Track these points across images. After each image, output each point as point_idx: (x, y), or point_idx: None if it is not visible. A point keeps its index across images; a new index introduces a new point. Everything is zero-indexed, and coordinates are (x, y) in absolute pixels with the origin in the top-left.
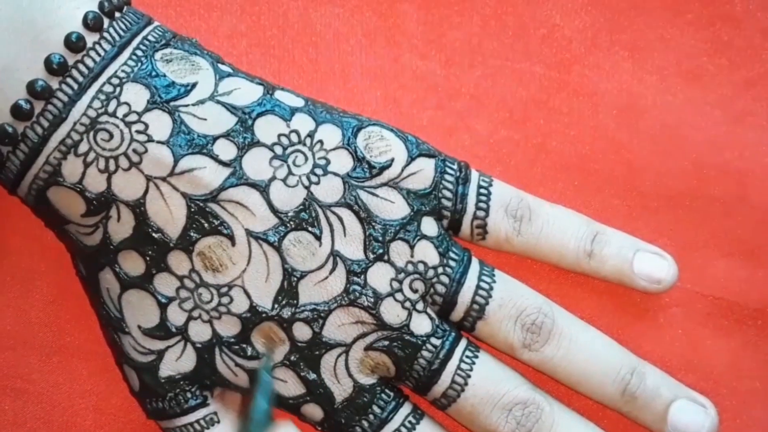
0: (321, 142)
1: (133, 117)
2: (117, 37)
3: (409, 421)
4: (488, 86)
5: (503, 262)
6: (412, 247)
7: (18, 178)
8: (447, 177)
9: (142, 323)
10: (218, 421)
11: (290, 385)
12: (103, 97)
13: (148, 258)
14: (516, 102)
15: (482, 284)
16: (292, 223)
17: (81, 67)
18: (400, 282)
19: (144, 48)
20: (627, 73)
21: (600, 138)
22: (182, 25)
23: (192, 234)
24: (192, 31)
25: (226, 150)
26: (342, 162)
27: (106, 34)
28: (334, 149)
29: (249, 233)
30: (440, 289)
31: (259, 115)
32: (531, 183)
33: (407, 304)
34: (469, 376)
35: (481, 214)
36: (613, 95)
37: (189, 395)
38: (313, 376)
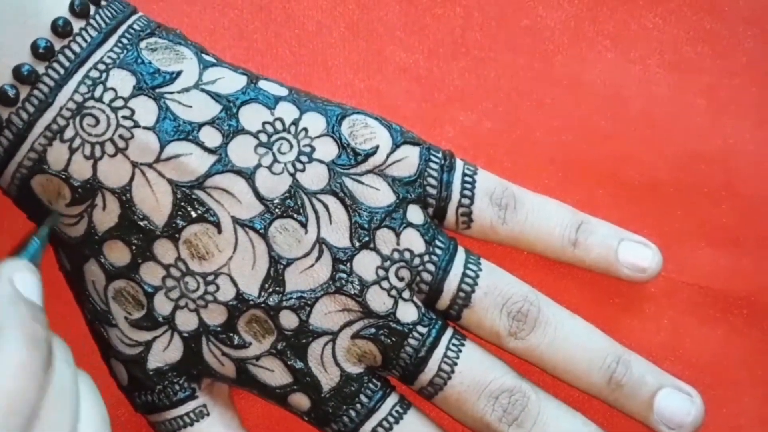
0: (306, 129)
1: (119, 102)
2: (103, 24)
3: (396, 411)
4: (472, 78)
5: (488, 255)
6: (398, 235)
7: (1, 168)
8: (432, 165)
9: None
10: (208, 414)
11: (277, 374)
12: (89, 82)
13: (133, 247)
14: (499, 93)
15: (468, 272)
16: (277, 210)
17: (67, 52)
18: (386, 270)
19: (129, 36)
20: (610, 63)
21: (584, 128)
22: (165, 20)
23: (178, 221)
24: (174, 25)
25: (211, 137)
26: (327, 149)
27: (92, 21)
28: (318, 137)
29: (235, 220)
30: (426, 277)
31: (244, 103)
32: (516, 174)
33: (393, 292)
34: (455, 364)
35: (466, 201)
36: (596, 85)
37: (177, 387)
38: (300, 364)
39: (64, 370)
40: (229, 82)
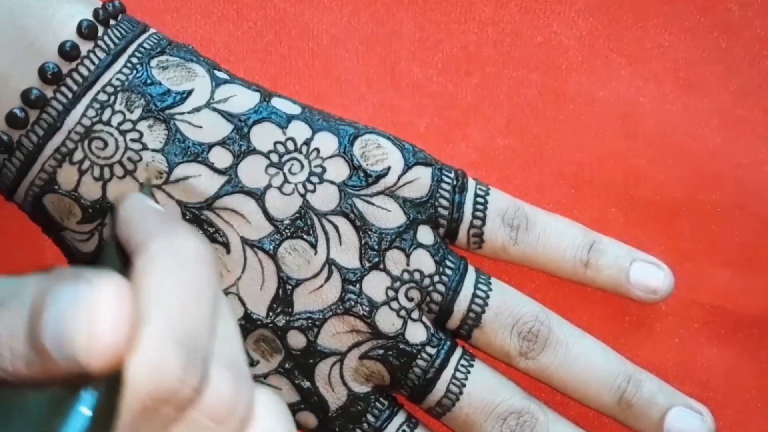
0: (317, 150)
1: (127, 125)
2: (111, 45)
3: (403, 430)
4: (485, 94)
5: (500, 270)
6: (408, 256)
7: (14, 185)
8: (444, 186)
9: None
10: None
11: (284, 393)
12: (97, 105)
13: None
14: (513, 110)
15: (478, 292)
16: (287, 231)
17: (75, 75)
18: (396, 290)
19: (139, 55)
20: (624, 81)
21: (597, 146)
22: (179, 31)
23: None
24: (188, 37)
25: (221, 158)
26: (338, 170)
27: (100, 42)
28: (330, 157)
29: (244, 241)
30: (436, 297)
31: (256, 122)
32: (528, 191)
33: (402, 313)
34: (464, 385)
35: (477, 222)
36: (610, 103)
37: None
38: (307, 384)
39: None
40: (242, 99)
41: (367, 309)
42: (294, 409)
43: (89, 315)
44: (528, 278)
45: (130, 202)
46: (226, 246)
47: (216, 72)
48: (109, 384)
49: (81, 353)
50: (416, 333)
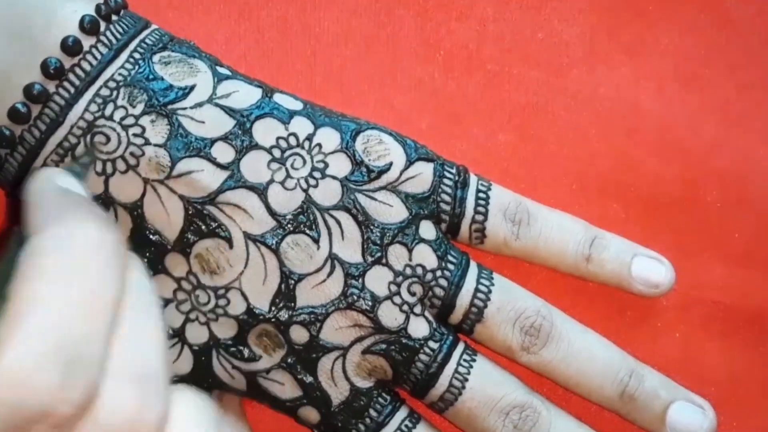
0: (319, 145)
1: (130, 120)
2: (114, 41)
3: (406, 425)
4: (486, 91)
5: (502, 265)
6: (410, 251)
7: (17, 180)
8: (446, 181)
9: None
10: None
11: (287, 388)
12: (99, 100)
13: (145, 260)
14: (514, 107)
15: (481, 287)
16: (290, 226)
17: (77, 70)
18: (398, 285)
19: (141, 51)
20: (625, 77)
21: (598, 142)
22: (180, 28)
23: (189, 236)
24: (190, 34)
25: (224, 153)
26: (340, 165)
27: (102, 38)
28: (332, 153)
29: (247, 236)
30: (438, 292)
31: (258, 117)
32: (529, 187)
33: (405, 308)
34: (466, 380)
35: (479, 218)
36: (611, 99)
37: None
38: (309, 379)
39: (142, 278)
40: (244, 95)
41: (370, 303)
42: (296, 404)
43: None
44: (530, 273)
45: (36, 181)
46: (229, 241)
47: (218, 68)
48: None
49: None
50: (419, 328)
